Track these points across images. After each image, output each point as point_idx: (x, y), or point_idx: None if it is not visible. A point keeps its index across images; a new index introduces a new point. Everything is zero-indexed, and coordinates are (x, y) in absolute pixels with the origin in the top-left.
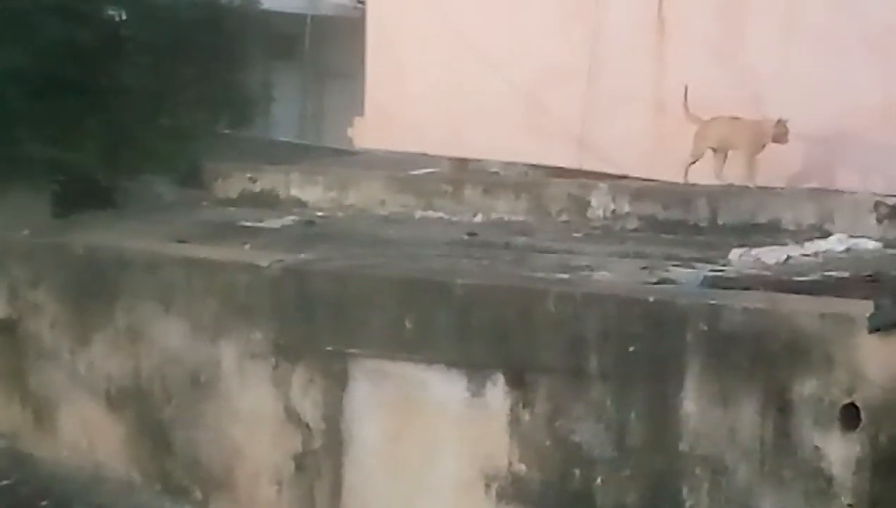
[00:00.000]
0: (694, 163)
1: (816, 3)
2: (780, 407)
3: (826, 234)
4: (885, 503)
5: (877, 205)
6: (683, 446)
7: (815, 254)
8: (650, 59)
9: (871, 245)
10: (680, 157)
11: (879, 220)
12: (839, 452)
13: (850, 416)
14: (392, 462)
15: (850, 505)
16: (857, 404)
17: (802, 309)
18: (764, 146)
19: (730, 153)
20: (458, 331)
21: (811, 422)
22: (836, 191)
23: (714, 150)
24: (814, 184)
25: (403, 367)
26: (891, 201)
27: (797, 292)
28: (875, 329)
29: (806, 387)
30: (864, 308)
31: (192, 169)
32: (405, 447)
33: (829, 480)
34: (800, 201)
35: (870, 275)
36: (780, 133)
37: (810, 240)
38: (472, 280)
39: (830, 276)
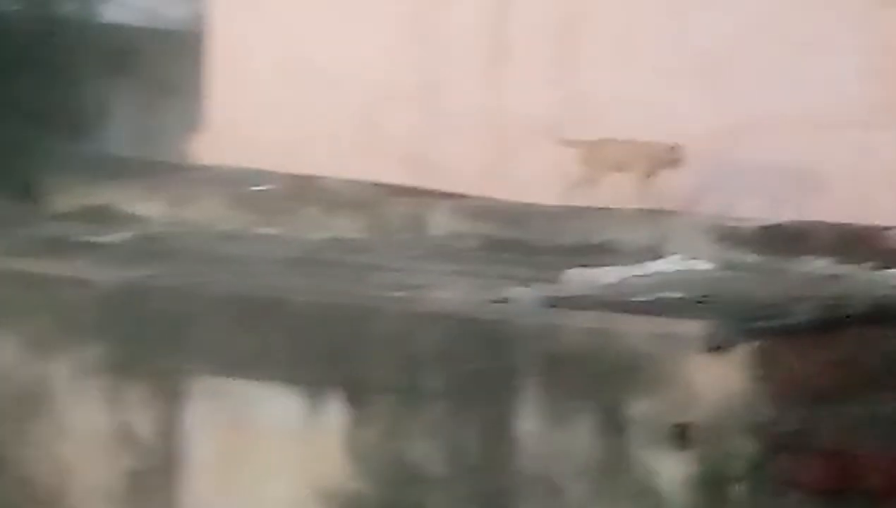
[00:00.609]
0: (591, 184)
1: (649, 27)
2: (615, 427)
3: (661, 255)
4: None
5: (711, 227)
6: (519, 465)
7: (650, 275)
8: (488, 79)
9: (705, 266)
10: (518, 177)
11: (714, 242)
12: (671, 471)
13: (681, 435)
14: (227, 481)
15: None
16: (689, 423)
17: (636, 329)
18: (656, 170)
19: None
20: (294, 349)
21: (644, 442)
22: (672, 212)
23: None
24: (649, 206)
25: (239, 385)
26: (724, 223)
27: (632, 312)
28: (708, 349)
29: (639, 407)
30: (697, 328)
31: (25, 183)
32: (240, 465)
33: (661, 499)
34: (636, 222)
35: (703, 296)
36: (674, 158)
37: (645, 260)
38: (308, 297)
39: (664, 297)
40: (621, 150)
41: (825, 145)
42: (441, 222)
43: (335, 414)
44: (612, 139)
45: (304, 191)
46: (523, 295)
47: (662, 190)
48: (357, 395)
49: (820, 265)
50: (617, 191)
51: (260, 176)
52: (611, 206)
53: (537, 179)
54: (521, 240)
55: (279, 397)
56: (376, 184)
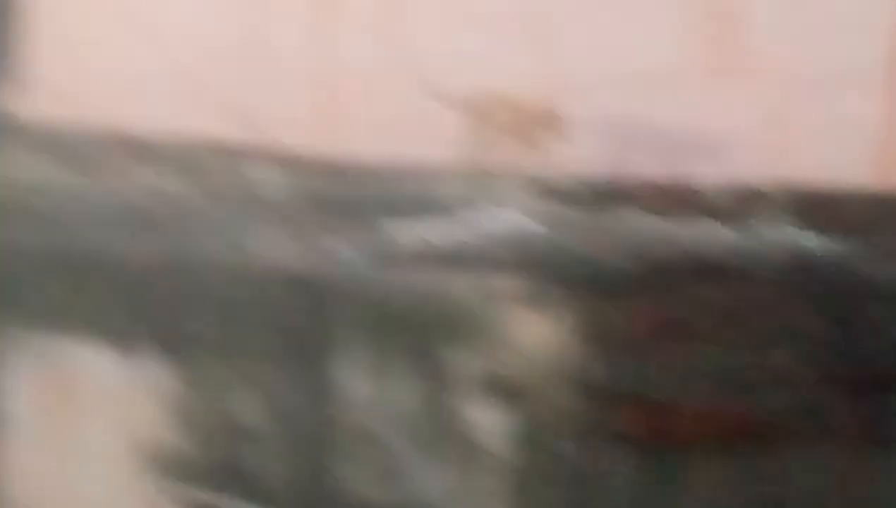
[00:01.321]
0: (483, 147)
1: None
2: (437, 382)
3: (485, 211)
4: (537, 472)
5: (535, 182)
6: (341, 420)
7: (473, 230)
8: (308, 33)
9: (529, 222)
10: (341, 132)
11: (538, 198)
12: (493, 425)
13: (504, 390)
14: (47, 440)
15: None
16: (512, 378)
17: (459, 284)
18: (538, 134)
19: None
20: (114, 307)
21: (467, 396)
22: (493, 167)
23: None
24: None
25: (58, 343)
26: (549, 179)
27: (455, 268)
28: (531, 304)
29: (462, 362)
30: (520, 283)
31: None
32: (59, 423)
33: (483, 452)
34: (460, 177)
35: (526, 252)
36: (555, 122)
37: (469, 216)
38: (129, 254)
39: (488, 252)
40: (508, 112)
41: (656, 102)
42: (265, 177)
43: (155, 371)
44: (500, 99)
45: (123, 146)
46: (346, 250)
47: (545, 153)
48: (176, 350)
49: (643, 221)
50: (504, 155)
51: (77, 131)
52: (436, 161)
53: (367, 134)
54: (345, 195)
55: (98, 355)
56: (199, 139)
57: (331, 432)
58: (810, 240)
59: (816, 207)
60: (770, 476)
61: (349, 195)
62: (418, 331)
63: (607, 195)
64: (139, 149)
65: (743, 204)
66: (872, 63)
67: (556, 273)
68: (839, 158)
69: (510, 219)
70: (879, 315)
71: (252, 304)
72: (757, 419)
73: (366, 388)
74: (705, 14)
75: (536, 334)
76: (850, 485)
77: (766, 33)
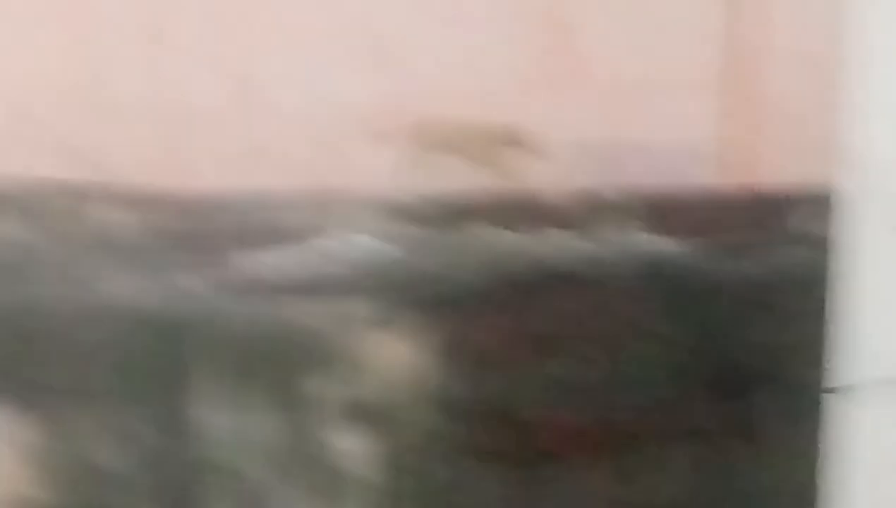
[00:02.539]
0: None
1: (308, 7)
2: (294, 410)
3: (326, 234)
4: (405, 494)
5: (374, 202)
6: (198, 455)
7: (316, 254)
8: (146, 67)
9: (370, 242)
10: (187, 168)
11: (378, 217)
12: (353, 449)
13: (364, 413)
14: None
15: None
16: (371, 401)
17: (308, 310)
18: (495, 152)
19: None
20: None
21: (323, 422)
22: (335, 189)
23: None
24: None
25: None
26: (391, 200)
27: (301, 293)
28: (378, 324)
29: (316, 388)
30: (366, 304)
31: None
32: None
33: (346, 477)
34: (299, 201)
35: (370, 272)
36: (514, 139)
37: (310, 239)
38: None
39: (332, 275)
40: (453, 132)
41: (492, 112)
42: (102, 213)
43: (11, 422)
44: (440, 120)
45: None
46: (198, 285)
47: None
48: (29, 399)
49: (492, 235)
50: (452, 174)
51: None
52: (283, 191)
53: (203, 166)
54: (185, 227)
55: None
56: (32, 179)
57: (195, 471)
58: (657, 244)
59: (660, 210)
60: (638, 477)
61: (198, 229)
62: (277, 363)
63: (456, 212)
64: None
65: (589, 212)
66: (705, 66)
67: (409, 294)
68: (678, 159)
69: (360, 243)
70: (730, 313)
71: (107, 347)
72: (621, 424)
73: (228, 424)
74: (539, 25)
75: (395, 357)
76: (714, 482)
77: (599, 41)
